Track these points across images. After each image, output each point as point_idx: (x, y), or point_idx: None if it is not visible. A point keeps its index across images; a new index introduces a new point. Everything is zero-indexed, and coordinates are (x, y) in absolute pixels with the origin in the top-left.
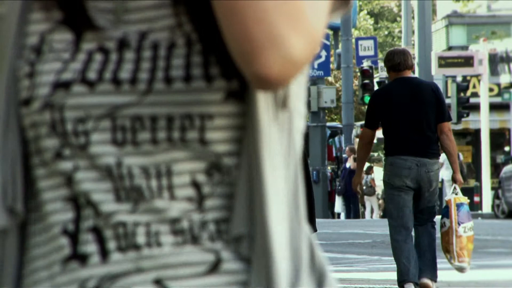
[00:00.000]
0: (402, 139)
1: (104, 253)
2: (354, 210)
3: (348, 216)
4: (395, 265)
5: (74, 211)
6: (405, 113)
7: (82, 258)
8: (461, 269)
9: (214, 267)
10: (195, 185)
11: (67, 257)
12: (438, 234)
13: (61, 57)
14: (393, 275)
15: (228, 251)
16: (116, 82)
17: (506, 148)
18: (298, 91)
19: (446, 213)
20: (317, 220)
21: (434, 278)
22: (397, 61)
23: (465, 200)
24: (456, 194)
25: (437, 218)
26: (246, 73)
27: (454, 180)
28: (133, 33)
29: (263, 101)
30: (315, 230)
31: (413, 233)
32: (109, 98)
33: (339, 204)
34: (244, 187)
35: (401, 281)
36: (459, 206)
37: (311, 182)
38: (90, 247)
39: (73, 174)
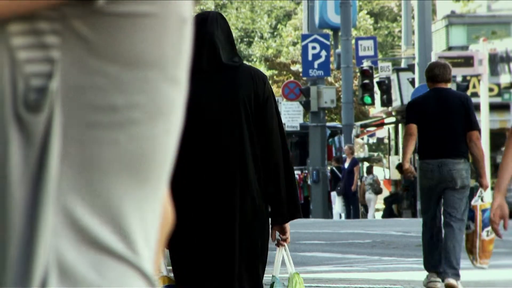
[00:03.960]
0: (427, 144)
1: None
2: (354, 210)
3: (348, 216)
4: (395, 265)
5: None
6: (432, 120)
7: None
8: (482, 269)
9: None
10: None
11: None
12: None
13: None
14: (393, 275)
15: None
16: None
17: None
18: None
19: (472, 217)
20: (317, 220)
21: (457, 278)
22: (436, 73)
23: (489, 205)
24: (482, 199)
25: None
26: None
27: (480, 184)
28: None
29: None
30: (299, 216)
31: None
32: None
33: (339, 204)
34: None
35: (426, 268)
36: (484, 211)
37: (292, 171)
38: None
39: None
